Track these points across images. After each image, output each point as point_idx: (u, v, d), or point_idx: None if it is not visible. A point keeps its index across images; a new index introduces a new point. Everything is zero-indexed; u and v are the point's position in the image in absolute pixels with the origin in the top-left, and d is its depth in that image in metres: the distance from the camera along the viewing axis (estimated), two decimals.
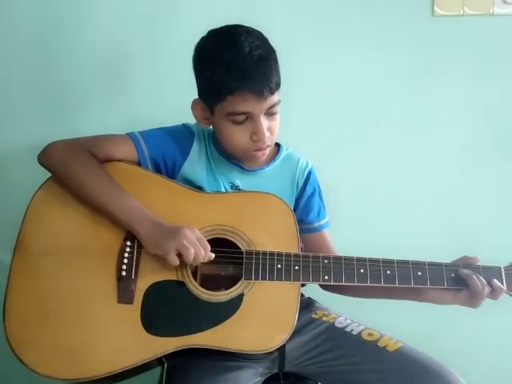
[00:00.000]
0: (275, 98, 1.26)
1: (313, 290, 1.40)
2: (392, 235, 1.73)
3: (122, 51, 1.70)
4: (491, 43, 1.74)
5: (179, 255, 1.18)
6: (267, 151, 1.32)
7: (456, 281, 1.26)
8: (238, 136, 1.27)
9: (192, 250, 1.17)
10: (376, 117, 1.74)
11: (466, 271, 1.25)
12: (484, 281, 1.24)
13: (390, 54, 1.73)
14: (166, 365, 1.24)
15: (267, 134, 1.27)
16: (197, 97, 1.32)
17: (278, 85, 1.26)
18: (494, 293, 1.25)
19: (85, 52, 1.69)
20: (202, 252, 1.18)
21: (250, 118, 1.25)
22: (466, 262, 1.27)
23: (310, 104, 1.72)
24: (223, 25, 1.29)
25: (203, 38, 1.30)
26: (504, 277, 1.27)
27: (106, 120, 1.68)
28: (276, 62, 1.27)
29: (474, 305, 1.26)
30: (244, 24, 1.28)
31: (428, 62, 1.74)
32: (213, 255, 1.21)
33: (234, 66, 1.21)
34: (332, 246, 1.43)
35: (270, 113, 1.27)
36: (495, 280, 1.25)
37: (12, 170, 1.71)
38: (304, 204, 1.41)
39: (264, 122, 1.26)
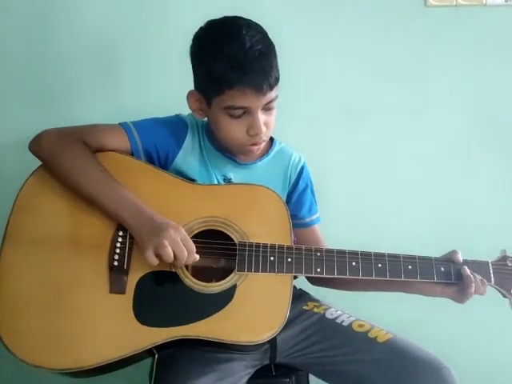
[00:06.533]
0: (274, 93, 1.25)
1: (304, 282, 1.40)
2: (384, 229, 1.73)
3: (111, 41, 1.67)
4: (484, 34, 1.75)
5: (159, 255, 1.16)
6: (262, 146, 1.32)
7: (445, 275, 1.27)
8: (234, 130, 1.27)
9: (170, 250, 1.14)
10: (369, 108, 1.74)
11: (467, 271, 1.26)
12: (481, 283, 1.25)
13: (383, 44, 1.73)
14: (156, 356, 1.23)
15: (264, 128, 1.26)
16: (190, 88, 1.30)
17: (277, 80, 1.25)
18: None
19: (74, 42, 1.66)
20: (185, 253, 1.16)
21: (247, 112, 1.25)
22: (454, 258, 1.28)
23: (301, 97, 1.71)
24: (216, 16, 1.27)
25: (202, 28, 1.28)
26: (491, 271, 1.29)
27: (95, 110, 1.66)
28: (275, 57, 1.26)
29: (462, 301, 1.28)
30: (236, 14, 1.26)
31: (421, 52, 1.74)
32: (197, 257, 1.18)
33: (234, 60, 1.19)
34: (323, 241, 1.42)
35: (267, 108, 1.26)
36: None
37: (1, 158, 1.68)
38: (296, 199, 1.41)
39: (261, 116, 1.25)
